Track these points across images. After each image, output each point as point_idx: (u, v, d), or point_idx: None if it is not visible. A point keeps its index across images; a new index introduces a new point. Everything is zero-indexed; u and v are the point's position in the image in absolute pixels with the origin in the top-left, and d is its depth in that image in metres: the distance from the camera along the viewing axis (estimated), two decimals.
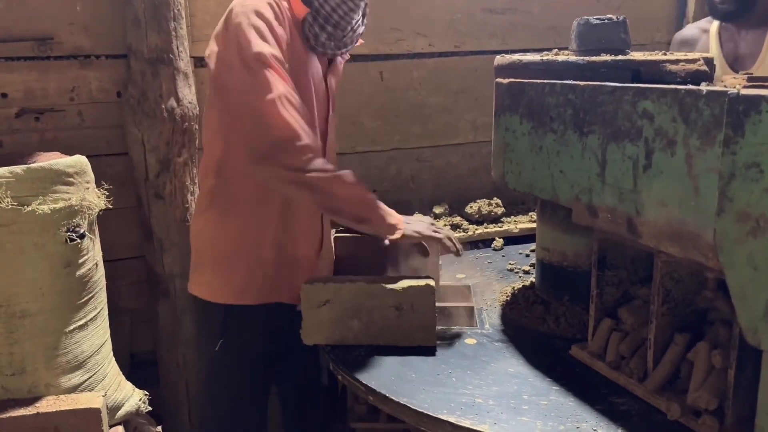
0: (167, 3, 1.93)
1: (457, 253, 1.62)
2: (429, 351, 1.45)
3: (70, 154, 1.60)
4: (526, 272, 1.94)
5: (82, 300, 1.56)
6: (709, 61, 1.41)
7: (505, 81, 1.50)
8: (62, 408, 1.47)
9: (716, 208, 0.95)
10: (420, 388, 1.30)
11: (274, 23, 1.46)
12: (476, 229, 2.22)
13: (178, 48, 1.97)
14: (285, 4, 1.53)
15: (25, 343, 1.48)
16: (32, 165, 1.48)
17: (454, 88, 2.45)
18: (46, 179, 1.47)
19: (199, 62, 2.09)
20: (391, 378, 1.34)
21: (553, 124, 1.33)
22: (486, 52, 2.44)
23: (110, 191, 1.63)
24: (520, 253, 2.11)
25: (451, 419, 1.18)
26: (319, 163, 1.46)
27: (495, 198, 2.36)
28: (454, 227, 2.24)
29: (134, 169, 2.03)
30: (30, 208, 1.43)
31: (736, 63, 2.11)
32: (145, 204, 2.04)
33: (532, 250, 2.01)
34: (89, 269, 1.58)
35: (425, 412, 1.21)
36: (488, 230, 2.23)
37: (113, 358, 1.71)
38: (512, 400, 1.24)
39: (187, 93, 2.01)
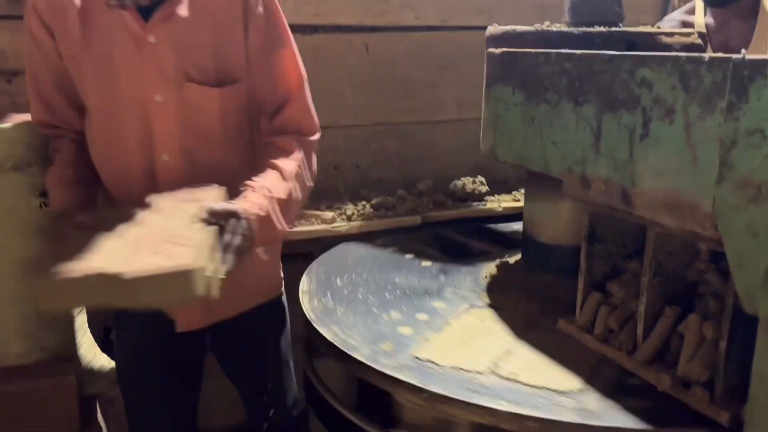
0: None
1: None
2: None
3: None
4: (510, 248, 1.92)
5: None
6: (702, 36, 1.40)
7: (498, 51, 1.47)
8: (35, 378, 1.42)
9: (716, 176, 0.94)
10: None
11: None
12: (460, 207, 2.20)
13: None
14: None
15: None
16: (3, 125, 1.41)
17: (439, 63, 2.41)
18: (18, 140, 1.41)
19: None
20: None
21: (547, 94, 1.30)
22: (472, 27, 2.40)
23: None
24: (504, 231, 2.10)
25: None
26: None
27: (479, 176, 2.34)
28: (438, 205, 2.22)
29: None
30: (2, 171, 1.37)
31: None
32: None
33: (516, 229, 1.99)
34: None
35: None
36: (471, 209, 2.22)
37: (88, 330, 1.66)
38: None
39: None
